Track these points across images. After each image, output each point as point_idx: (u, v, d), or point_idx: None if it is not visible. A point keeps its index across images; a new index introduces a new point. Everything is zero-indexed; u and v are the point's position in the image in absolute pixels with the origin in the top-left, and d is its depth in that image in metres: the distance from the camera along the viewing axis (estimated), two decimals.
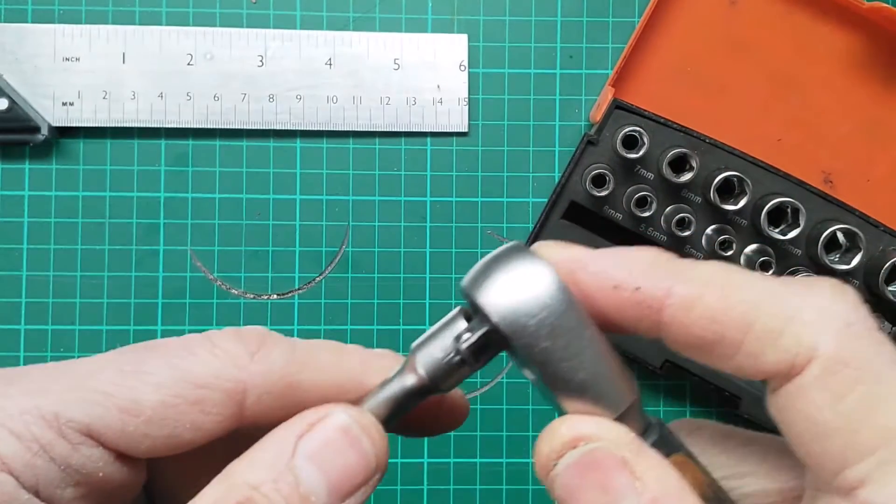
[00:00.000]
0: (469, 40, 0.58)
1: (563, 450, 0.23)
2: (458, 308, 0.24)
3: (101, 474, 0.23)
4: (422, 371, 0.23)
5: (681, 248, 0.52)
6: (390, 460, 0.59)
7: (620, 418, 0.23)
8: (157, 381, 0.23)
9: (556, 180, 0.54)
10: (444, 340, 0.23)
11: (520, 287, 0.22)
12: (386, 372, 0.25)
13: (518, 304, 0.22)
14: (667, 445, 0.23)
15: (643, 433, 0.23)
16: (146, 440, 0.23)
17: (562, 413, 0.23)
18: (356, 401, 0.24)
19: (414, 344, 0.24)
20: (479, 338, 0.23)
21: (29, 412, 0.22)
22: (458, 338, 0.23)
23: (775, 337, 0.21)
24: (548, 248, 0.24)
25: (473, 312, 0.23)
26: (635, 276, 0.22)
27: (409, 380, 0.24)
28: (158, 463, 0.26)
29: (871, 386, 0.21)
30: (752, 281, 0.22)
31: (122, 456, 0.24)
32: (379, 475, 0.24)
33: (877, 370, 0.21)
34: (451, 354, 0.23)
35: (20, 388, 0.23)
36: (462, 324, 0.23)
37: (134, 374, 0.23)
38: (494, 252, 0.23)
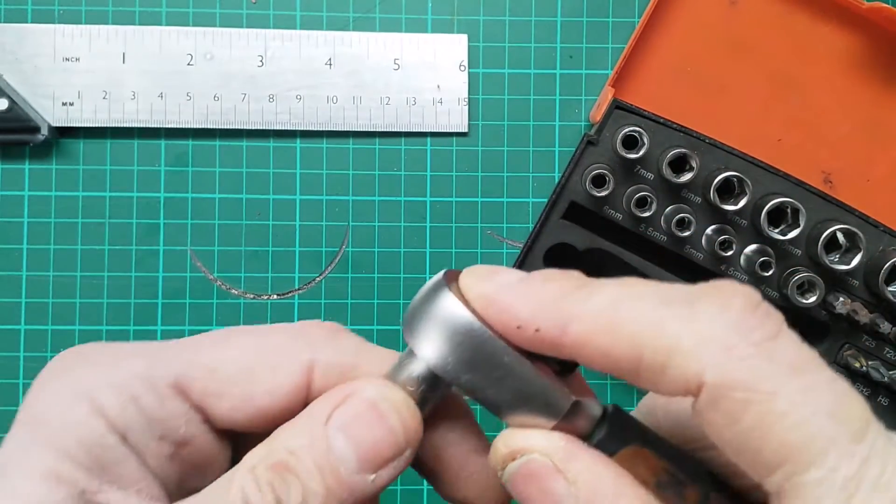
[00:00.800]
0: (469, 40, 0.58)
1: (504, 463, 0.24)
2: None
3: (182, 430, 0.25)
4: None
5: (681, 248, 0.52)
6: None
7: (562, 422, 0.24)
8: (241, 347, 0.26)
9: (556, 180, 0.54)
10: (402, 373, 0.25)
11: (437, 329, 0.24)
12: None
13: (437, 347, 0.24)
14: (617, 439, 0.24)
15: (591, 431, 0.24)
16: (226, 400, 0.25)
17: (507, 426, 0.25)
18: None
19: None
20: (424, 378, 0.25)
21: (128, 371, 0.25)
22: (410, 379, 0.25)
23: (661, 370, 0.22)
24: (468, 279, 0.25)
25: (409, 355, 0.25)
26: (535, 315, 0.23)
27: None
28: (240, 443, 0.27)
29: (763, 405, 0.21)
30: (640, 310, 0.22)
31: (206, 420, 0.25)
32: (409, 451, 0.25)
33: (768, 387, 0.21)
34: (414, 390, 0.25)
35: (125, 354, 0.25)
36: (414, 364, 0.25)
37: (222, 342, 0.26)
38: (423, 289, 0.25)
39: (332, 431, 0.24)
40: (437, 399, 0.26)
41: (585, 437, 0.24)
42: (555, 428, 0.24)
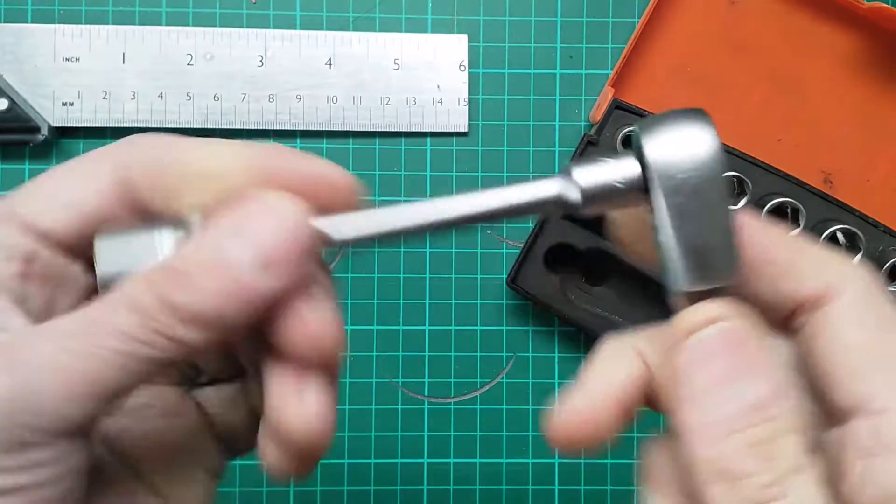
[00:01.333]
0: (469, 40, 0.58)
1: (702, 325, 0.24)
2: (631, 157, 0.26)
3: (20, 246, 0.25)
4: (581, 182, 0.25)
5: None
6: (390, 461, 0.59)
7: (729, 288, 0.25)
8: (62, 168, 0.27)
9: None
10: (605, 170, 0.25)
11: (683, 145, 0.24)
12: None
13: (675, 158, 0.24)
14: None
15: None
16: (48, 213, 0.26)
17: (667, 280, 0.25)
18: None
19: (568, 165, 0.26)
20: (640, 176, 0.25)
21: None
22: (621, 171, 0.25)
23: (822, 266, 0.25)
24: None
25: (638, 156, 0.25)
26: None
27: (559, 185, 0.25)
28: None
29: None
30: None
31: (46, 238, 0.26)
32: (304, 255, 0.24)
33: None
34: (616, 180, 0.25)
35: None
36: (630, 162, 0.25)
37: (51, 171, 0.27)
38: (677, 111, 0.26)
39: (224, 234, 0.23)
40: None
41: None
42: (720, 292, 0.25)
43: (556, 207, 0.26)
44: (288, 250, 0.23)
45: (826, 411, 0.24)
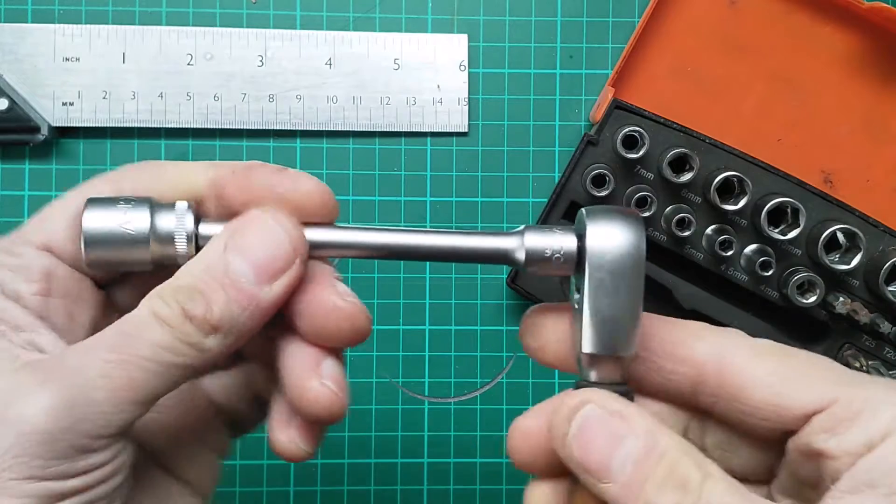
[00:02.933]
0: (469, 40, 0.58)
1: (572, 414, 0.28)
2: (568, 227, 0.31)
3: (39, 266, 0.29)
4: (528, 245, 0.30)
5: (681, 247, 0.52)
6: (390, 461, 0.59)
7: (618, 361, 0.29)
8: (70, 196, 0.32)
9: (556, 180, 0.54)
10: (551, 239, 0.30)
11: (616, 237, 0.29)
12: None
13: (607, 245, 0.29)
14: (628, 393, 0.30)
15: (616, 382, 0.30)
16: (60, 234, 0.30)
17: (577, 343, 0.30)
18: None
19: (525, 227, 0.30)
20: (576, 249, 0.29)
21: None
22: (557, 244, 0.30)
23: (702, 337, 0.31)
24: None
25: (578, 237, 0.30)
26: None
27: (510, 243, 0.30)
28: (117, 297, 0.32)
29: None
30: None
31: (68, 262, 0.30)
32: (299, 261, 0.28)
33: None
34: (556, 251, 0.30)
35: None
36: (570, 238, 0.30)
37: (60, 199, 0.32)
38: (618, 209, 0.30)
39: (229, 254, 0.27)
40: None
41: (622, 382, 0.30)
42: (620, 362, 0.29)
43: (505, 261, 0.30)
44: (284, 260, 0.28)
45: (752, 432, 0.30)
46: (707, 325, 0.31)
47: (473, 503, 0.57)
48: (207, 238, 0.29)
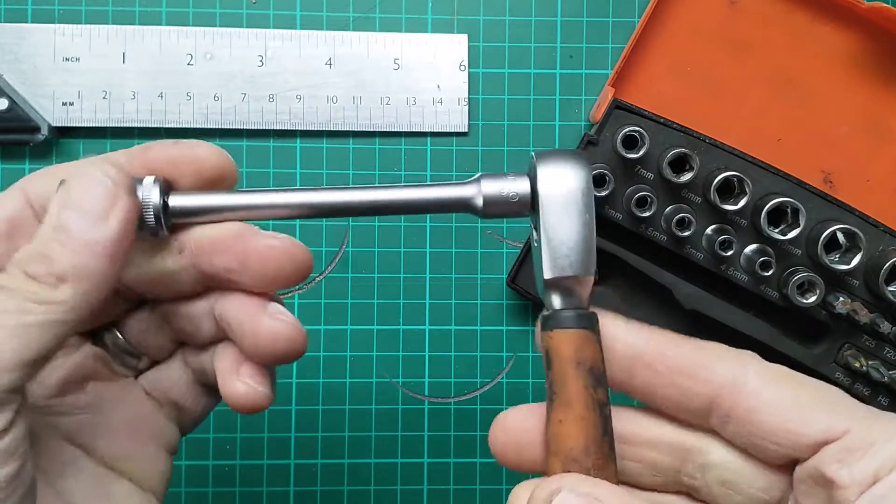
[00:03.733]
0: (469, 40, 0.58)
1: (551, 496, 0.29)
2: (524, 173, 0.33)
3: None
4: (485, 190, 0.32)
5: (681, 247, 0.52)
6: (390, 461, 0.59)
7: (577, 284, 0.32)
8: None
9: None
10: (505, 183, 0.32)
11: (563, 177, 0.32)
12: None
13: (555, 184, 0.31)
14: (584, 319, 0.31)
15: (579, 307, 0.32)
16: None
17: (537, 279, 0.32)
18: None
19: (480, 174, 0.33)
20: (529, 191, 0.32)
21: None
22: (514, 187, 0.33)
23: (720, 359, 0.31)
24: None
25: (531, 179, 0.32)
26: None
27: (468, 190, 0.32)
28: None
29: None
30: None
31: None
32: (122, 191, 0.29)
33: None
34: (511, 194, 0.32)
35: None
36: (523, 180, 0.33)
37: None
38: (565, 150, 0.32)
39: (59, 212, 0.29)
40: None
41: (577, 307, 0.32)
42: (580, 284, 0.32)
43: (464, 208, 0.32)
44: (108, 197, 0.29)
45: (771, 459, 0.31)
46: (726, 346, 0.32)
47: (473, 503, 0.57)
48: (180, 209, 0.32)
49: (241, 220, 0.33)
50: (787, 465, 0.31)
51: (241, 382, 0.33)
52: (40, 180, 0.31)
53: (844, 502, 0.27)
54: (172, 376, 0.38)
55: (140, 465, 0.35)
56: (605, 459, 0.31)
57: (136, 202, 0.30)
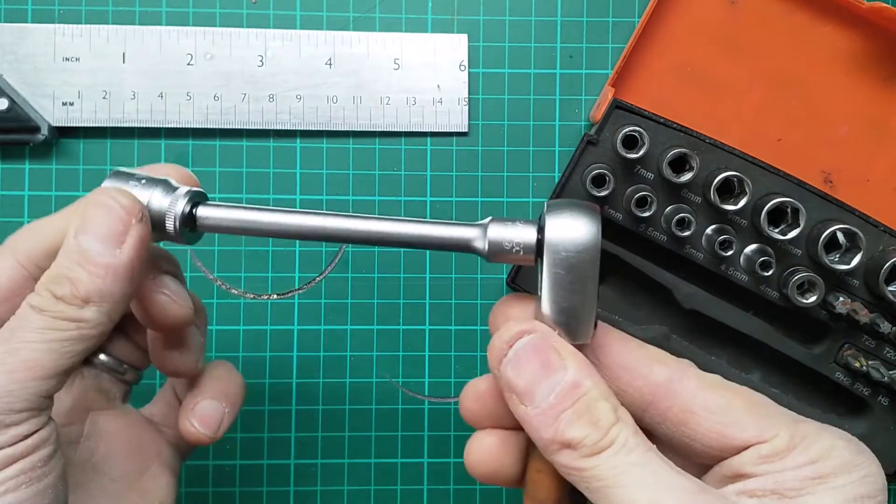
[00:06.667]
0: (469, 40, 0.58)
1: (513, 340, 0.32)
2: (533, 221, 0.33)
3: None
4: (490, 236, 0.32)
5: (681, 247, 0.52)
6: (390, 461, 0.59)
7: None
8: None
9: (556, 180, 0.54)
10: (512, 231, 0.32)
11: (572, 232, 0.31)
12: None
13: (563, 239, 0.31)
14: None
15: None
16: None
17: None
18: None
19: (491, 218, 0.33)
20: (535, 242, 0.32)
21: None
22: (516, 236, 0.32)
23: (657, 360, 0.35)
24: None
25: (539, 230, 0.32)
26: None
27: (471, 233, 0.33)
28: None
29: None
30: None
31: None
32: (136, 221, 0.32)
33: None
34: (516, 243, 0.32)
35: None
36: (531, 231, 0.32)
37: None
38: (578, 203, 0.32)
39: (77, 237, 0.32)
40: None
41: None
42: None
43: (466, 250, 0.33)
44: (122, 225, 0.32)
45: (696, 451, 0.33)
46: (666, 353, 0.35)
47: (473, 503, 0.57)
48: (206, 219, 0.34)
49: (259, 236, 0.36)
50: (709, 463, 0.34)
51: (189, 424, 0.40)
52: (26, 237, 0.35)
53: (750, 492, 0.31)
54: (167, 404, 0.44)
55: (146, 483, 0.40)
56: None
57: (147, 228, 0.33)
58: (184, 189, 0.34)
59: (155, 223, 0.34)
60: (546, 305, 0.31)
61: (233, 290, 0.57)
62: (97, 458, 0.39)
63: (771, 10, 0.55)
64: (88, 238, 0.32)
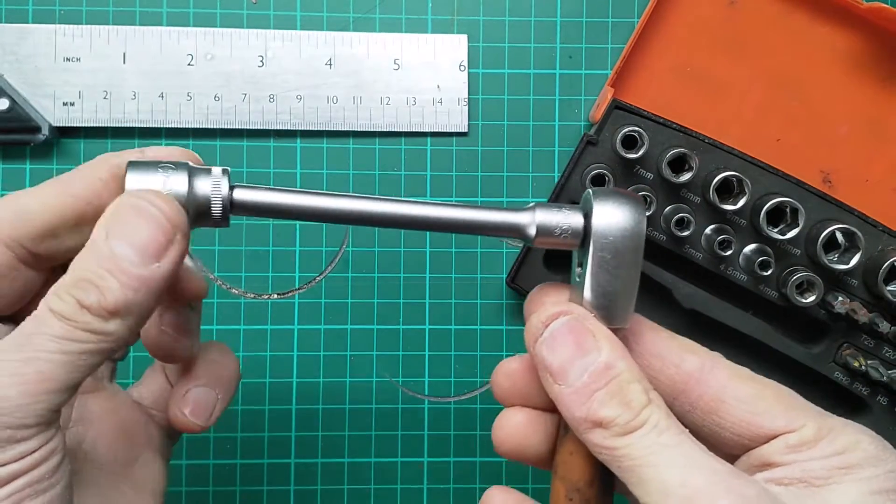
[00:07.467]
0: (469, 40, 0.58)
1: (550, 320, 0.33)
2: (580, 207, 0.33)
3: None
4: (539, 219, 0.32)
5: (680, 247, 0.52)
6: (390, 460, 0.59)
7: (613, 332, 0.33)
8: (30, 193, 0.34)
9: (556, 180, 0.54)
10: (559, 216, 0.33)
11: (619, 218, 0.31)
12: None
13: (610, 225, 0.31)
14: None
15: None
16: (23, 230, 0.33)
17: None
18: None
19: (536, 204, 0.33)
20: (583, 227, 0.32)
21: None
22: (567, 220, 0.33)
23: (691, 350, 0.36)
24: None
25: (585, 216, 0.32)
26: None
27: (524, 218, 0.33)
28: None
29: None
30: None
31: (19, 257, 0.33)
32: (180, 235, 0.30)
33: None
34: (564, 227, 0.32)
35: None
36: (578, 217, 0.33)
37: (17, 194, 0.34)
38: (624, 192, 0.32)
39: (111, 241, 0.29)
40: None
41: None
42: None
43: (516, 234, 0.33)
44: (166, 238, 0.30)
45: (726, 442, 0.34)
46: (696, 343, 0.35)
47: (473, 502, 0.57)
48: (242, 203, 0.32)
49: (296, 220, 0.34)
50: (738, 452, 0.34)
51: (180, 412, 0.38)
52: (7, 215, 0.33)
53: (777, 480, 0.32)
54: (157, 387, 0.41)
55: (138, 471, 0.38)
56: (604, 494, 0.33)
57: (187, 244, 0.31)
58: (217, 169, 0.32)
59: (199, 210, 0.31)
60: (588, 288, 0.32)
61: (233, 290, 0.57)
62: (87, 446, 0.37)
63: (770, 11, 0.55)
64: (123, 245, 0.29)
